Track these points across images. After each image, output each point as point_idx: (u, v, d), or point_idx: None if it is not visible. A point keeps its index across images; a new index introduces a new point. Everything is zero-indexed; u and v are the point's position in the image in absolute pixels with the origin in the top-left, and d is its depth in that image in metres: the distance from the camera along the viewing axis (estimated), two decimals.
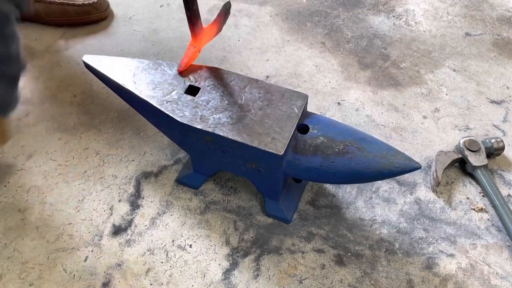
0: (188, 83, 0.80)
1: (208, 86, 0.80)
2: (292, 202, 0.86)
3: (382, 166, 0.71)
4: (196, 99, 0.78)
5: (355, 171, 0.72)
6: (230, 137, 0.73)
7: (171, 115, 0.76)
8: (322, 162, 0.73)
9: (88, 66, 0.84)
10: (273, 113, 0.76)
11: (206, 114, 0.76)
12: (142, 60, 0.85)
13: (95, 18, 1.22)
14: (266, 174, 0.77)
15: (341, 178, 0.74)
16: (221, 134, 0.73)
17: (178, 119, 0.75)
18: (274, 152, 0.71)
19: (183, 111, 0.76)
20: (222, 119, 0.75)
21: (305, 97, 0.78)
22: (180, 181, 0.90)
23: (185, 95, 0.79)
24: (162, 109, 0.76)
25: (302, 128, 0.76)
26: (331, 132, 0.75)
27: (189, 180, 0.89)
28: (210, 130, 0.73)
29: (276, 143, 0.72)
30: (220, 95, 0.78)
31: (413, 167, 0.71)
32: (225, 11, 0.86)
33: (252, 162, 0.76)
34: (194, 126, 0.74)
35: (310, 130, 0.75)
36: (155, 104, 0.77)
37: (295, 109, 0.76)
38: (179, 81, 0.81)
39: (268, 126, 0.74)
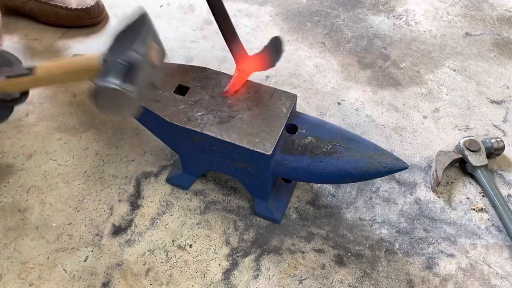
0: (177, 83, 0.80)
1: (197, 86, 0.79)
2: (281, 202, 0.86)
3: (369, 166, 0.71)
4: (185, 99, 0.78)
5: (343, 171, 0.72)
6: (219, 137, 0.72)
7: (159, 114, 0.75)
8: (310, 162, 0.73)
9: None
10: (262, 113, 0.76)
11: (194, 113, 0.75)
12: None
13: (87, 23, 1.20)
14: (255, 174, 0.77)
15: (329, 178, 0.74)
16: (210, 134, 0.73)
17: (167, 118, 0.75)
18: (262, 152, 0.71)
19: (172, 111, 0.76)
20: (211, 119, 0.75)
21: (294, 97, 0.78)
22: (169, 182, 0.90)
23: (174, 94, 0.78)
24: (151, 108, 0.76)
25: (291, 128, 0.76)
26: (319, 132, 0.75)
27: (178, 180, 0.89)
28: (198, 130, 0.73)
29: (265, 143, 0.71)
30: (209, 95, 0.78)
31: (400, 167, 0.71)
32: (273, 45, 0.83)
33: (241, 162, 0.76)
34: (182, 125, 0.74)
35: (298, 130, 0.75)
36: (143, 104, 0.77)
37: (284, 109, 0.76)
38: (168, 80, 0.80)
39: (256, 126, 0.74)
